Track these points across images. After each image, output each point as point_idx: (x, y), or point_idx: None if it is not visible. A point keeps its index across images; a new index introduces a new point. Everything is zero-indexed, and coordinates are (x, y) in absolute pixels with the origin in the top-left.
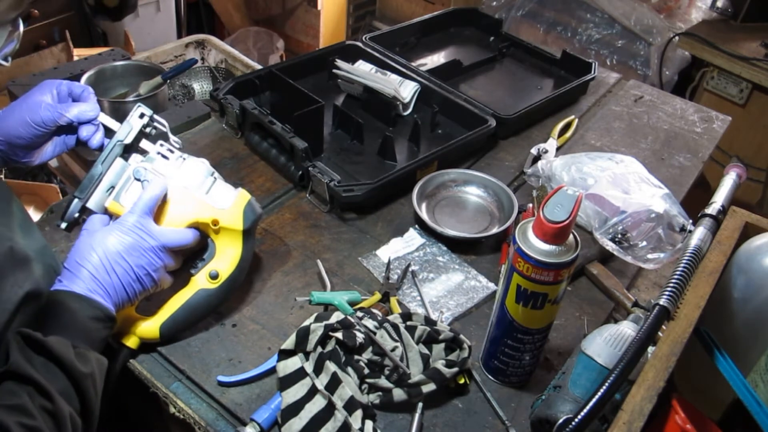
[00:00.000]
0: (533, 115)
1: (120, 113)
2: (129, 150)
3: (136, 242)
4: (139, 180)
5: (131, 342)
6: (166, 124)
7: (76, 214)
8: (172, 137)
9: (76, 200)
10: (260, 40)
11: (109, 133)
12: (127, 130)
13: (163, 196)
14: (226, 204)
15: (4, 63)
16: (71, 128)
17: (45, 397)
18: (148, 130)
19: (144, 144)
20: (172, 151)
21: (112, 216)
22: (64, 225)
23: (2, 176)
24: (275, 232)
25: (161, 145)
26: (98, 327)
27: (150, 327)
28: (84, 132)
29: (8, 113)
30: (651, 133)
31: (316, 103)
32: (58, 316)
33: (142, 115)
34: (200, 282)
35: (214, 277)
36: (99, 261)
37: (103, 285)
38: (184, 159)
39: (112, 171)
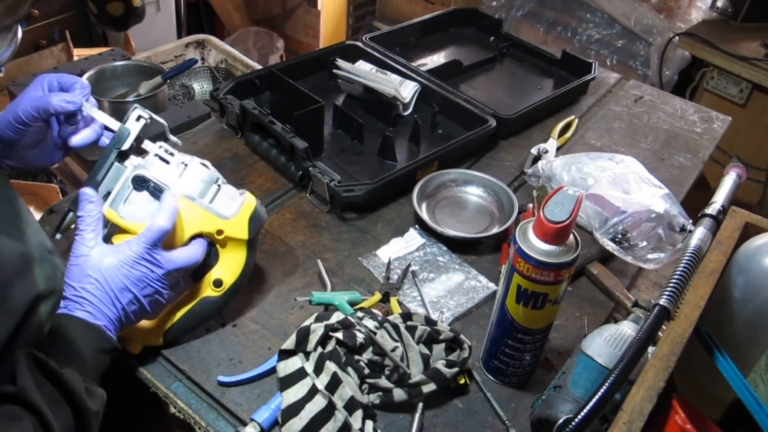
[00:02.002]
0: (533, 115)
1: (120, 113)
2: (126, 153)
3: (144, 274)
4: (137, 189)
5: (135, 348)
6: (165, 124)
7: (72, 226)
8: (171, 138)
9: (71, 213)
10: (260, 40)
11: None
12: (125, 134)
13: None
14: (230, 212)
15: None
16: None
17: (45, 428)
18: (142, 124)
19: (143, 144)
20: (171, 154)
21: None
22: (59, 236)
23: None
24: (275, 232)
25: (159, 146)
26: (105, 359)
27: (154, 334)
28: (75, 139)
29: (2, 117)
30: (651, 133)
31: (316, 103)
32: (67, 345)
33: (139, 118)
34: (203, 290)
35: (218, 285)
36: (104, 294)
37: (112, 319)
38: (186, 165)
39: (108, 177)
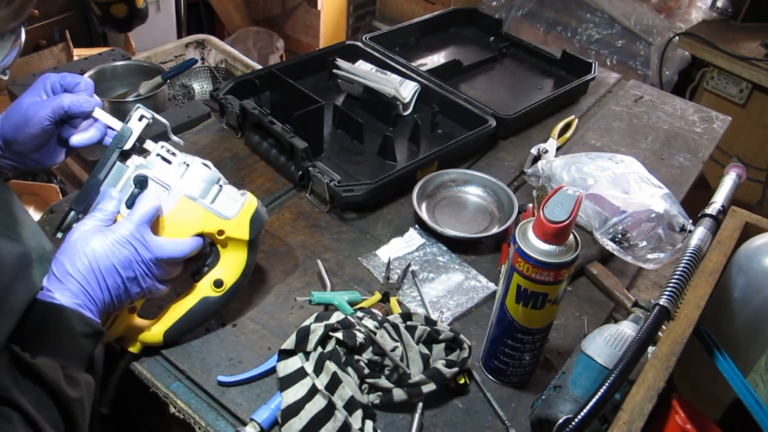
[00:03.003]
0: (533, 115)
1: (120, 113)
2: (128, 153)
3: (131, 254)
4: (140, 189)
5: (134, 348)
6: (167, 124)
7: (73, 225)
8: (173, 138)
9: (72, 213)
10: (260, 40)
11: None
12: (127, 134)
13: (165, 207)
14: (232, 212)
15: (2, 77)
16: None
17: (33, 427)
18: (144, 124)
19: (144, 144)
20: (173, 154)
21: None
22: (60, 235)
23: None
24: (275, 232)
25: (161, 146)
26: (87, 343)
27: (153, 333)
28: (75, 138)
29: (5, 119)
30: (651, 133)
31: (316, 103)
32: (48, 332)
33: (141, 118)
34: (204, 290)
35: (218, 285)
36: (91, 271)
37: (93, 298)
38: (188, 165)
39: (109, 177)
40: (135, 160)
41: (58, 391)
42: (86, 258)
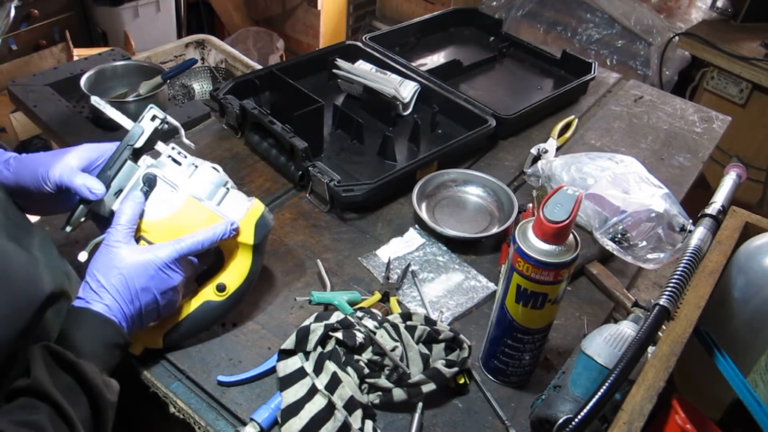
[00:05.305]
0: (533, 115)
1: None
2: (139, 152)
3: (169, 278)
4: (148, 188)
5: (135, 349)
6: (179, 126)
7: (82, 219)
8: (185, 141)
9: (81, 207)
10: (260, 40)
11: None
12: (138, 133)
13: (170, 206)
14: (238, 216)
15: None
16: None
17: (65, 421)
18: (159, 127)
19: (156, 145)
20: (184, 156)
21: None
22: (69, 229)
23: None
24: (275, 232)
25: (173, 148)
26: (117, 354)
27: (154, 336)
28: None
29: (20, 170)
30: (651, 133)
31: (316, 103)
32: (83, 337)
33: (153, 118)
34: (207, 294)
35: (221, 289)
36: (127, 289)
37: (124, 312)
38: (197, 167)
39: (120, 174)
40: (146, 159)
41: (96, 392)
42: (123, 277)
